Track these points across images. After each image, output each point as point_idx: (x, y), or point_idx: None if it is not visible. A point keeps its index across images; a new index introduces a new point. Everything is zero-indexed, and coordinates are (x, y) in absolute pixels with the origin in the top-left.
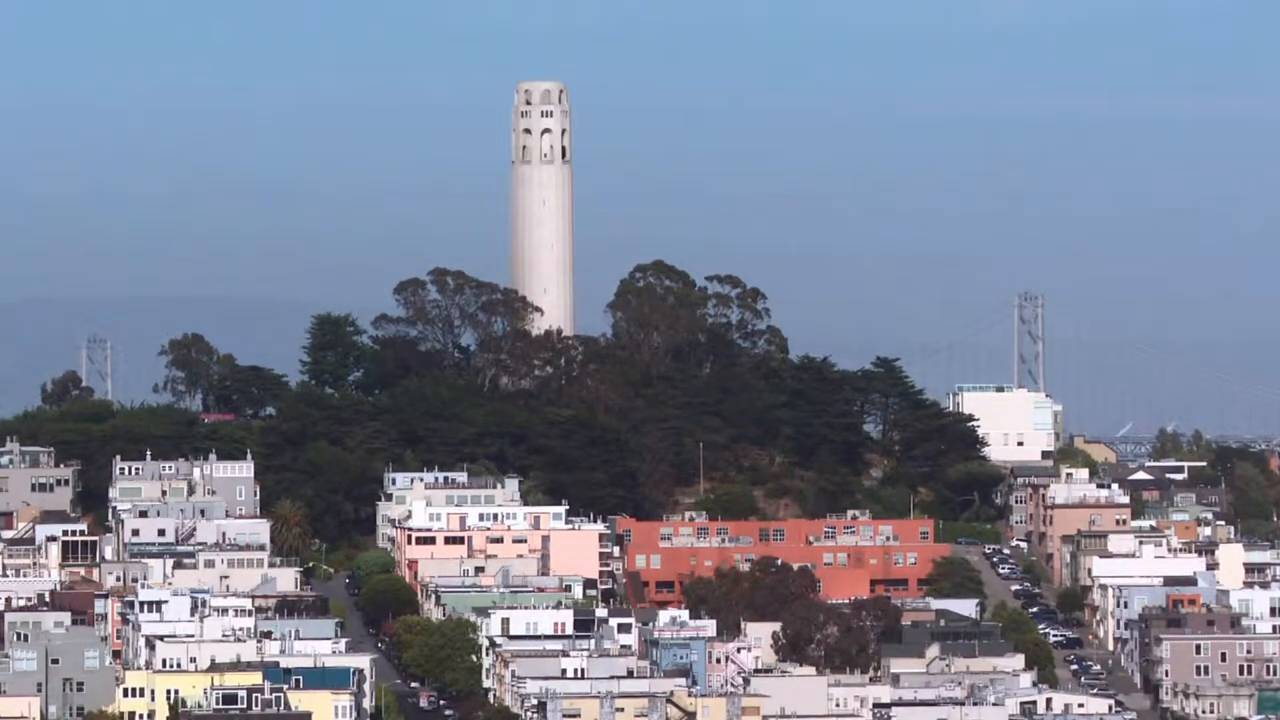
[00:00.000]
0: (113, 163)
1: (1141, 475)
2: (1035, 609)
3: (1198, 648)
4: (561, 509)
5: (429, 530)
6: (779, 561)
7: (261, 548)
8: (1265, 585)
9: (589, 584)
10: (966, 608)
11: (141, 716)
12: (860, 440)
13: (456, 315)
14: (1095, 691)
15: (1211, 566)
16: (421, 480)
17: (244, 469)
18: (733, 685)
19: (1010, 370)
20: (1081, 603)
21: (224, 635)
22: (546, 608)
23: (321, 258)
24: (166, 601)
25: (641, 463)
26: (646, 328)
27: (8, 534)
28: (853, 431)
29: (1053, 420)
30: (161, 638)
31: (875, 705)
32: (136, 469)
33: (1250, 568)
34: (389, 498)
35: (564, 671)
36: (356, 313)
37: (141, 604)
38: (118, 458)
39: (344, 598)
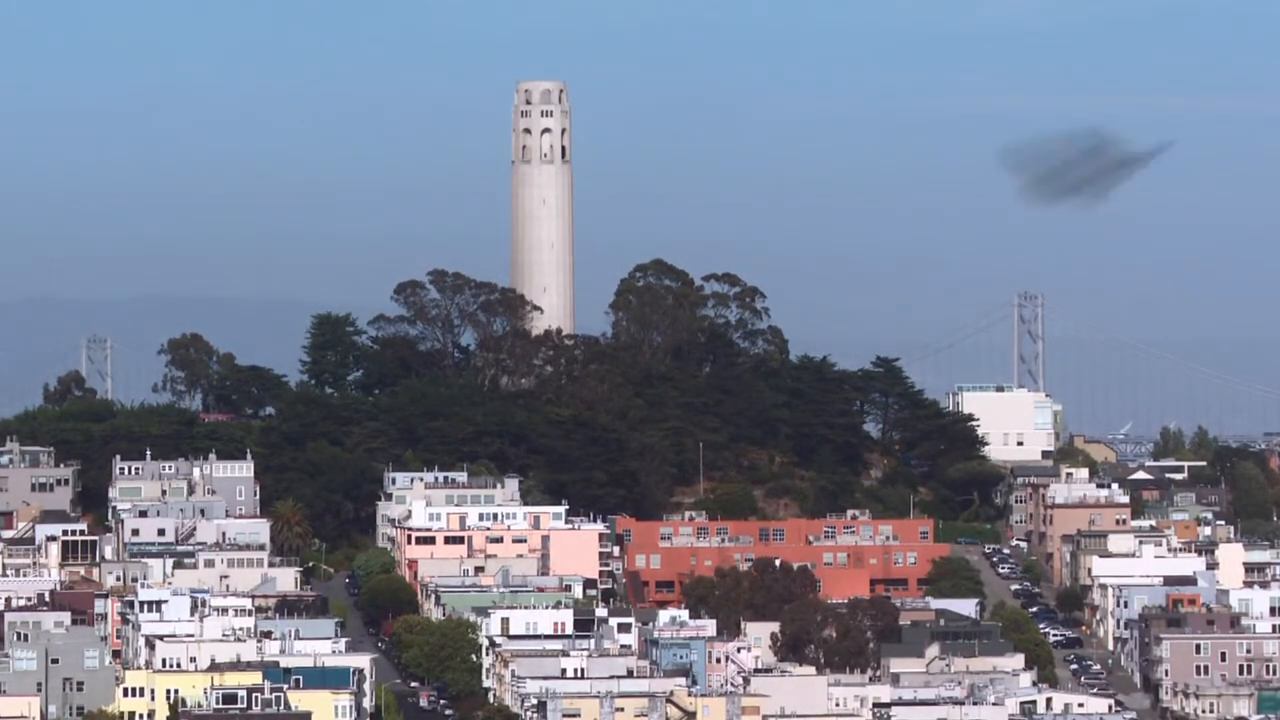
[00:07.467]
0: (113, 163)
1: (1141, 475)
2: (1035, 609)
3: (1198, 647)
4: (561, 509)
5: (429, 530)
6: (779, 561)
7: (261, 547)
8: (1265, 585)
9: (589, 584)
10: (966, 607)
11: (141, 716)
12: (860, 440)
13: (456, 315)
14: (1095, 691)
15: (1211, 566)
16: (421, 480)
17: (244, 469)
18: (732, 685)
19: (1010, 370)
20: (1081, 602)
21: (224, 635)
22: (546, 607)
23: (321, 258)
24: (166, 601)
25: (641, 462)
26: (646, 327)
27: (8, 534)
28: (853, 431)
29: (1053, 420)
30: (161, 637)
31: (875, 705)
32: (136, 469)
33: (1250, 567)
34: (389, 497)
35: (564, 671)
36: (356, 313)
37: (141, 604)
38: (118, 457)
39: (344, 598)
